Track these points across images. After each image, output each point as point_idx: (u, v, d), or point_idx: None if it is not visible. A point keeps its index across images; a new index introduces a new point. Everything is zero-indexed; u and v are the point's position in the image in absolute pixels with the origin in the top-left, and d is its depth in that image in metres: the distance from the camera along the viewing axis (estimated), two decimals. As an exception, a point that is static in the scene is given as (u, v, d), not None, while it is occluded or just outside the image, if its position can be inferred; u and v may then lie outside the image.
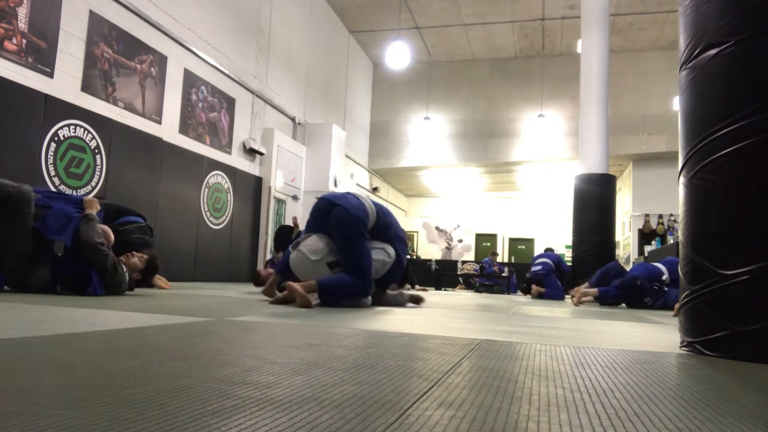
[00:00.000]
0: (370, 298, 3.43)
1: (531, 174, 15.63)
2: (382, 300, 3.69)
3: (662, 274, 5.81)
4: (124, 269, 3.34)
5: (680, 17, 1.94)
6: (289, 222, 8.53)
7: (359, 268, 3.23)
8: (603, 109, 8.36)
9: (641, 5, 11.29)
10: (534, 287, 8.49)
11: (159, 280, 4.79)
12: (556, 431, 0.78)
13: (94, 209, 3.34)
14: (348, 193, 3.55)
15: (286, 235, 6.71)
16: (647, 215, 13.17)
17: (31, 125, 4.86)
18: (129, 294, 3.45)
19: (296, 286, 3.05)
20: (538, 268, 8.76)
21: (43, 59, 5.10)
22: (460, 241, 18.92)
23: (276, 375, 1.05)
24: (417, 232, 19.32)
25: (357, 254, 3.25)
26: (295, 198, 9.81)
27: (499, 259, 11.69)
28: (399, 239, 3.63)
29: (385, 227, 3.54)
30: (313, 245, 3.35)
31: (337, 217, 3.30)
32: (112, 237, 3.45)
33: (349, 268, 3.24)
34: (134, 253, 3.66)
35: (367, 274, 3.26)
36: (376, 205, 3.57)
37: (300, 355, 1.32)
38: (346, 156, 11.77)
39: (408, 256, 3.77)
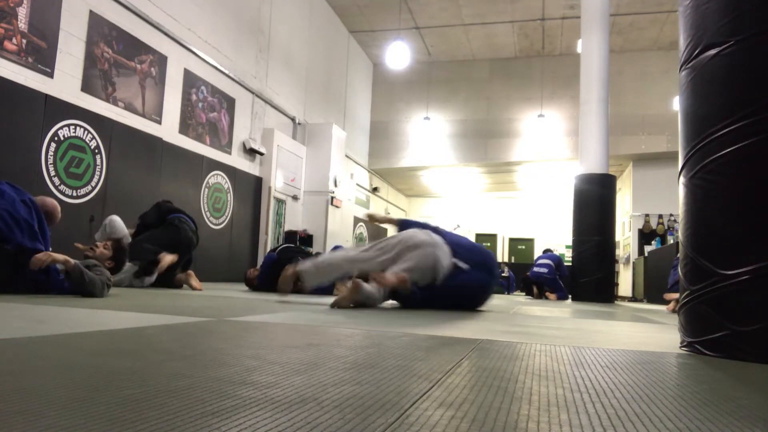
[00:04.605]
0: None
1: (531, 174, 15.61)
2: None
3: None
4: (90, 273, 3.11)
5: (680, 17, 1.94)
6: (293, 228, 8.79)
7: None
8: (603, 109, 8.35)
9: (641, 5, 11.29)
10: (548, 294, 8.85)
11: (193, 279, 4.81)
12: (556, 431, 0.78)
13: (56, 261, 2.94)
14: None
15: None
16: (647, 215, 13.16)
17: (31, 125, 4.86)
18: (129, 294, 3.45)
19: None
20: (544, 270, 8.96)
21: (43, 59, 5.10)
22: (460, 241, 18.90)
23: (276, 375, 1.05)
24: (417, 232, 19.28)
25: None
26: (295, 198, 9.81)
27: (499, 260, 11.81)
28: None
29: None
30: None
31: None
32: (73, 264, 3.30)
33: None
34: (97, 244, 3.60)
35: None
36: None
37: (300, 355, 1.32)
38: (346, 156, 11.76)
39: None
